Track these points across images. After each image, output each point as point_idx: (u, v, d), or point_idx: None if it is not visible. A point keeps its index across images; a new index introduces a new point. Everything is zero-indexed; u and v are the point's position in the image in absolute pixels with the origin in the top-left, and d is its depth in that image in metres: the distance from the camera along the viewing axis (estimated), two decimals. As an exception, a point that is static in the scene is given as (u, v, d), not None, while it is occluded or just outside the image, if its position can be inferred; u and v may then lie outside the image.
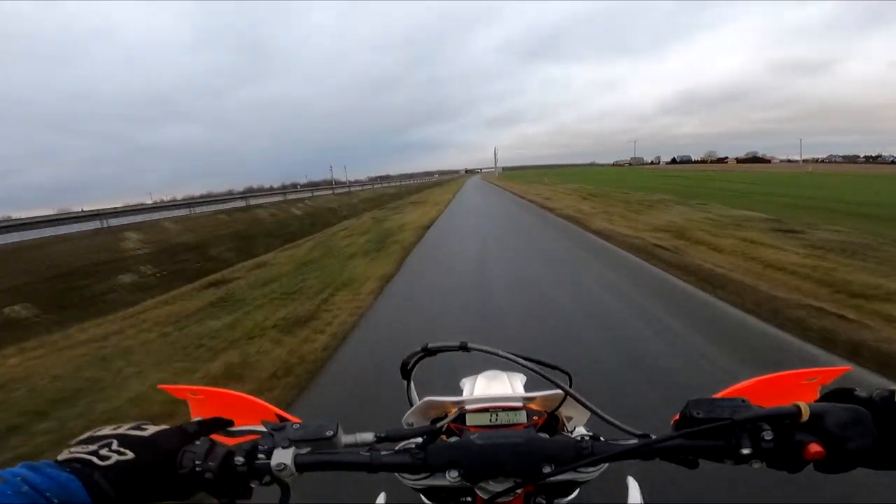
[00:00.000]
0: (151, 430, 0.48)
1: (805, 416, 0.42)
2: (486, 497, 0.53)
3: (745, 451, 0.43)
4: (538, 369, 0.53)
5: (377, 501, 0.75)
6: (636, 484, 0.74)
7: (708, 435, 0.44)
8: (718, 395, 0.54)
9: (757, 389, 0.56)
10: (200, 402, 0.64)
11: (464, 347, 0.54)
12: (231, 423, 0.58)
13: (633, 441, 0.47)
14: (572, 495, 0.71)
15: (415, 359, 0.58)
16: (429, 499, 0.70)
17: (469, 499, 0.60)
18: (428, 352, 0.57)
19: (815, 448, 0.41)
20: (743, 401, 0.46)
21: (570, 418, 0.59)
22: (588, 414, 0.56)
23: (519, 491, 0.53)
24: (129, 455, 0.45)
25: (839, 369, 0.47)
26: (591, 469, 0.51)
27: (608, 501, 0.79)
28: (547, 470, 0.46)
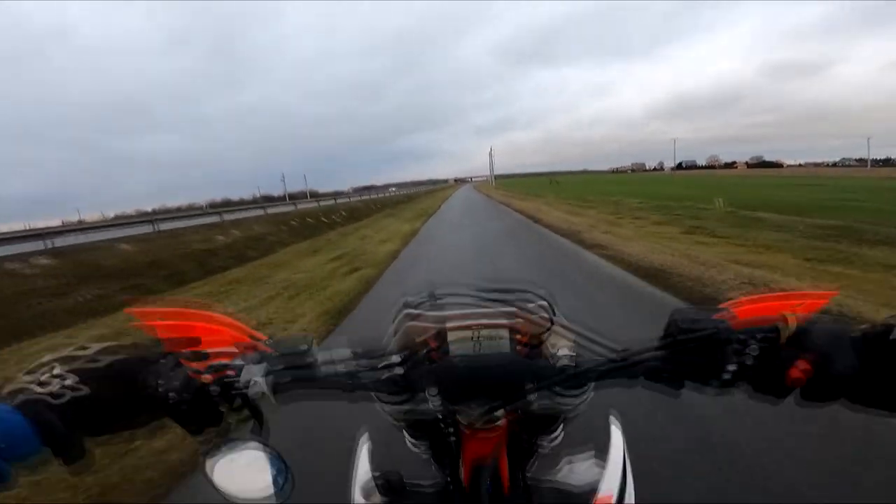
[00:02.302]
0: (108, 358, 0.46)
1: (791, 327, 0.41)
2: (466, 423, 0.52)
3: (731, 369, 0.41)
4: (514, 299, 0.51)
5: (359, 436, 0.73)
6: (618, 422, 0.72)
7: (693, 349, 0.43)
8: None
9: (737, 311, 0.55)
10: (168, 324, 0.61)
11: (433, 296, 0.54)
12: (198, 343, 0.56)
13: (614, 356, 0.46)
14: (556, 433, 0.69)
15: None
16: (411, 434, 0.68)
17: (451, 430, 0.59)
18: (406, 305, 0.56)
19: (802, 366, 0.40)
20: (731, 315, 0.44)
21: (554, 349, 0.58)
22: (571, 345, 0.56)
23: (501, 419, 0.51)
24: (85, 390, 0.42)
25: (826, 294, 0.46)
26: (573, 394, 0.50)
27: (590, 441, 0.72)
28: (529, 386, 0.45)
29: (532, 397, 0.47)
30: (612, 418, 0.73)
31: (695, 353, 0.43)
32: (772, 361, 0.41)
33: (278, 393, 0.46)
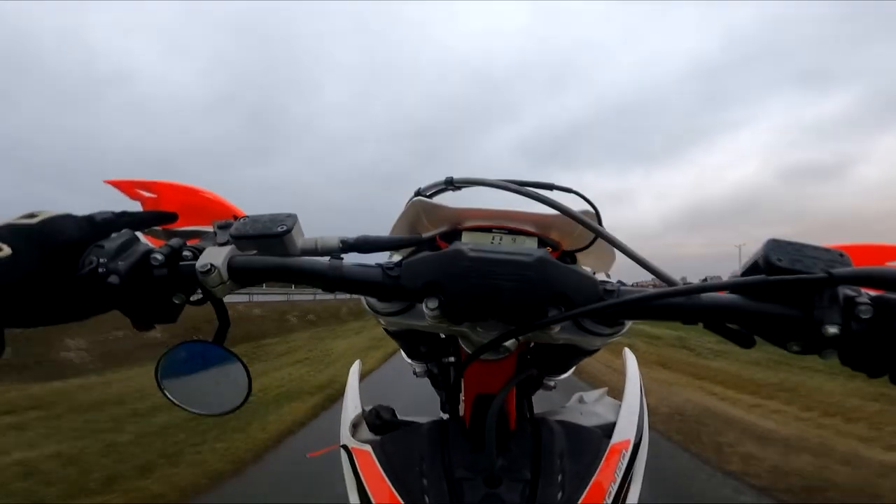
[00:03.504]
0: (45, 215, 0.36)
1: None
2: (469, 350, 0.42)
3: (832, 331, 0.29)
4: (551, 200, 0.39)
5: (351, 370, 0.65)
6: (633, 357, 0.63)
7: (781, 295, 0.31)
8: None
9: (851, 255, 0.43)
10: (155, 202, 0.51)
11: (450, 183, 0.48)
12: (172, 219, 0.45)
13: (674, 288, 0.34)
14: (566, 373, 0.61)
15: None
16: (409, 354, 0.60)
17: (452, 359, 0.50)
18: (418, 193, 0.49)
19: None
20: (841, 255, 0.32)
21: (590, 268, 0.47)
22: (610, 265, 0.45)
23: (511, 348, 0.42)
24: (6, 251, 0.32)
25: None
26: (607, 330, 0.40)
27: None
28: (553, 313, 0.33)
29: (557, 327, 0.37)
30: (626, 353, 0.64)
31: (786, 300, 0.31)
32: (885, 328, 0.29)
33: (242, 284, 0.37)
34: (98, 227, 0.38)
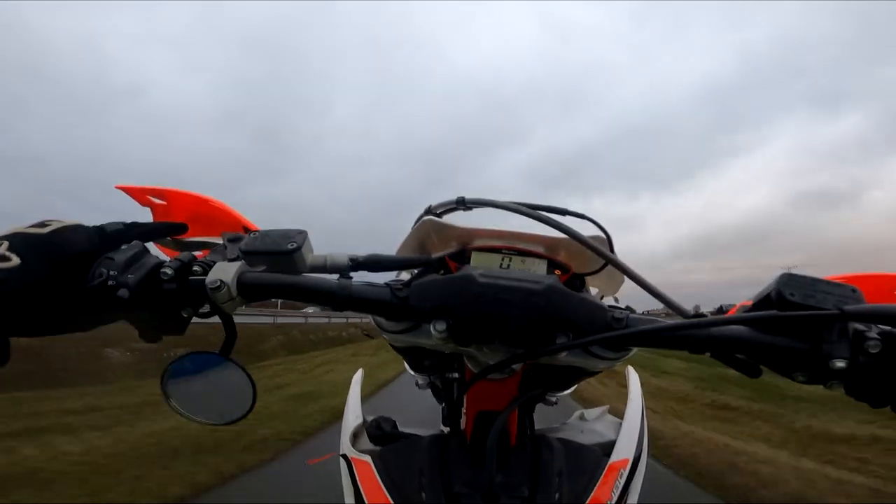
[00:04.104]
0: (55, 225, 0.36)
1: None
2: (475, 370, 0.42)
3: (840, 365, 0.30)
4: (563, 226, 0.40)
5: (353, 378, 0.65)
6: (636, 376, 0.63)
7: (791, 329, 0.32)
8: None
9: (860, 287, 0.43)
10: (165, 209, 0.51)
11: (462, 203, 0.47)
12: (182, 230, 0.46)
13: (684, 320, 0.35)
14: (568, 391, 0.61)
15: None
16: (413, 367, 0.60)
17: (456, 375, 0.50)
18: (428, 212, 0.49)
19: None
20: (853, 290, 0.33)
21: (598, 293, 0.47)
22: (618, 288, 0.45)
23: (516, 369, 0.42)
24: (14, 261, 0.32)
25: None
26: (613, 355, 0.40)
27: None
28: (562, 340, 0.33)
29: (565, 352, 0.37)
30: (629, 371, 0.64)
31: (795, 334, 0.32)
32: (892, 362, 0.30)
33: (251, 300, 0.37)
34: (108, 238, 0.38)
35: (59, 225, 0.36)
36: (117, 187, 0.48)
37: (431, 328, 0.35)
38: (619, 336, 0.33)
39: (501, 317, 0.33)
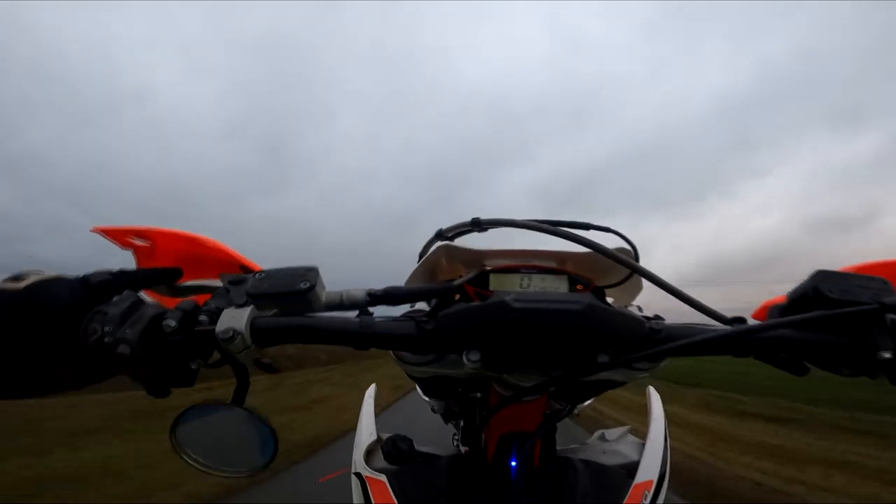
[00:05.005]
0: (33, 278, 0.32)
1: None
2: (506, 393, 0.41)
3: (886, 356, 0.31)
4: (590, 241, 0.39)
5: (367, 393, 0.63)
6: (657, 396, 0.63)
7: (831, 326, 0.32)
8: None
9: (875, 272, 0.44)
10: (149, 251, 0.47)
11: (477, 224, 0.45)
12: (177, 275, 0.42)
13: (725, 328, 0.35)
14: (589, 401, 0.60)
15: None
16: (427, 392, 0.58)
17: (479, 395, 0.49)
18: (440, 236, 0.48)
19: None
20: (884, 282, 0.34)
21: (612, 301, 0.46)
22: (636, 296, 0.44)
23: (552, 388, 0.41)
24: None
25: None
26: (647, 366, 0.39)
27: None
28: (603, 359, 0.32)
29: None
30: (650, 391, 0.64)
31: (837, 330, 0.32)
32: None
33: (266, 346, 0.35)
34: (94, 290, 0.35)
35: (38, 278, 0.33)
36: (93, 230, 0.44)
37: (464, 358, 0.33)
38: (663, 350, 0.33)
39: (541, 342, 0.32)
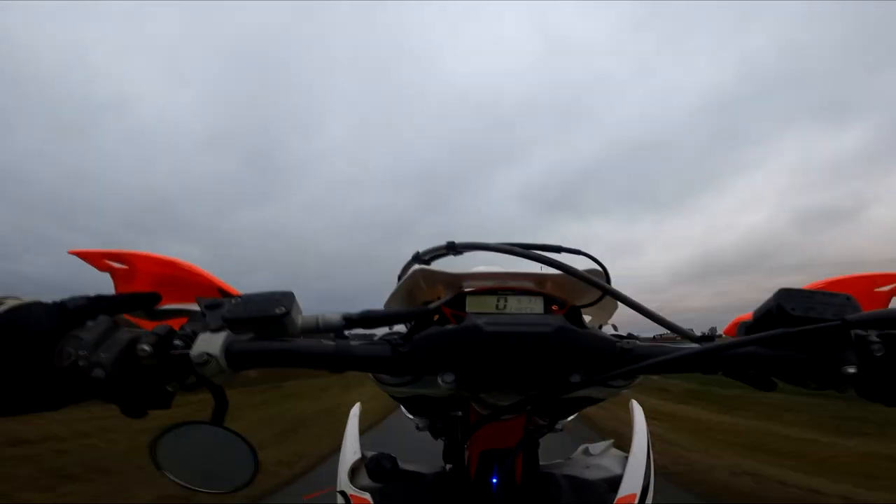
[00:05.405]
0: (10, 303, 0.33)
1: None
2: (484, 412, 0.42)
3: (851, 371, 0.31)
4: (560, 263, 0.39)
5: (351, 412, 0.64)
6: (640, 409, 0.64)
7: (796, 343, 0.33)
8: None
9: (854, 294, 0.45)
10: (127, 274, 0.47)
11: (452, 247, 0.46)
12: (155, 300, 0.43)
13: (693, 345, 0.35)
14: (572, 416, 0.61)
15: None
16: (410, 411, 0.59)
17: (460, 413, 0.49)
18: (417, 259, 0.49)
19: None
20: (848, 298, 0.34)
21: (589, 320, 0.47)
22: (612, 315, 0.45)
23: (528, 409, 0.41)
24: None
25: None
26: (622, 384, 0.40)
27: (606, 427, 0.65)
28: (576, 379, 0.33)
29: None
30: (633, 405, 0.64)
31: (800, 346, 0.33)
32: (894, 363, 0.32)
33: (241, 369, 0.35)
34: (71, 315, 0.36)
35: (15, 303, 0.33)
36: (71, 252, 0.45)
37: (439, 380, 0.34)
38: (633, 368, 0.34)
39: (513, 364, 0.33)
